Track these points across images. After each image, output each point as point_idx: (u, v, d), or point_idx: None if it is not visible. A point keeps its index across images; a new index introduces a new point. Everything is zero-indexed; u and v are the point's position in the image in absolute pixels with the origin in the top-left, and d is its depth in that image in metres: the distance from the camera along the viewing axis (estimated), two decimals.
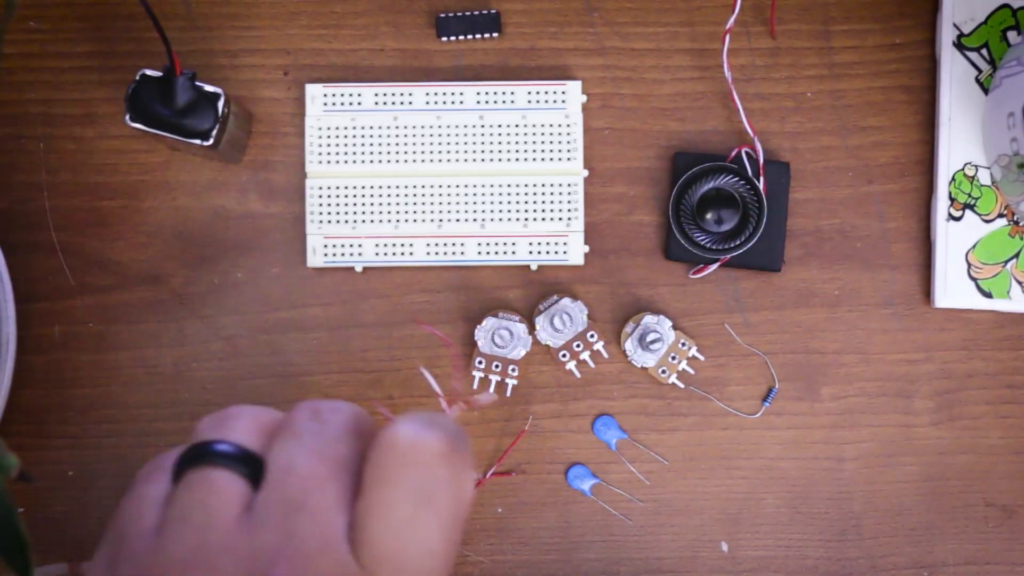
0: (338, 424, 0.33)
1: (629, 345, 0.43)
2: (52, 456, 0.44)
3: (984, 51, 0.43)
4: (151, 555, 0.30)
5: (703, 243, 0.42)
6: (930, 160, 0.44)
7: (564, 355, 0.43)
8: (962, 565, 0.44)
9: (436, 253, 0.43)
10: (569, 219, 0.43)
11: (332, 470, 0.31)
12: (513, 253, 0.43)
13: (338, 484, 0.31)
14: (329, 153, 0.43)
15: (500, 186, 0.43)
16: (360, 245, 0.43)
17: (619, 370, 0.44)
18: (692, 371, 0.43)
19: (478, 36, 0.43)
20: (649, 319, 0.43)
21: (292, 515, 0.30)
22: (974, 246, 0.43)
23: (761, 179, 0.42)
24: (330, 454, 0.32)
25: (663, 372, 0.43)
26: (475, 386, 0.43)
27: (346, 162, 0.43)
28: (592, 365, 0.43)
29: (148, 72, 0.39)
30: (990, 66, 0.43)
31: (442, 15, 0.43)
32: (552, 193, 0.43)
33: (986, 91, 0.43)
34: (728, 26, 0.41)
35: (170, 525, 0.30)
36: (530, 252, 0.43)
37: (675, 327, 0.43)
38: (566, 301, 0.43)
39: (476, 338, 0.42)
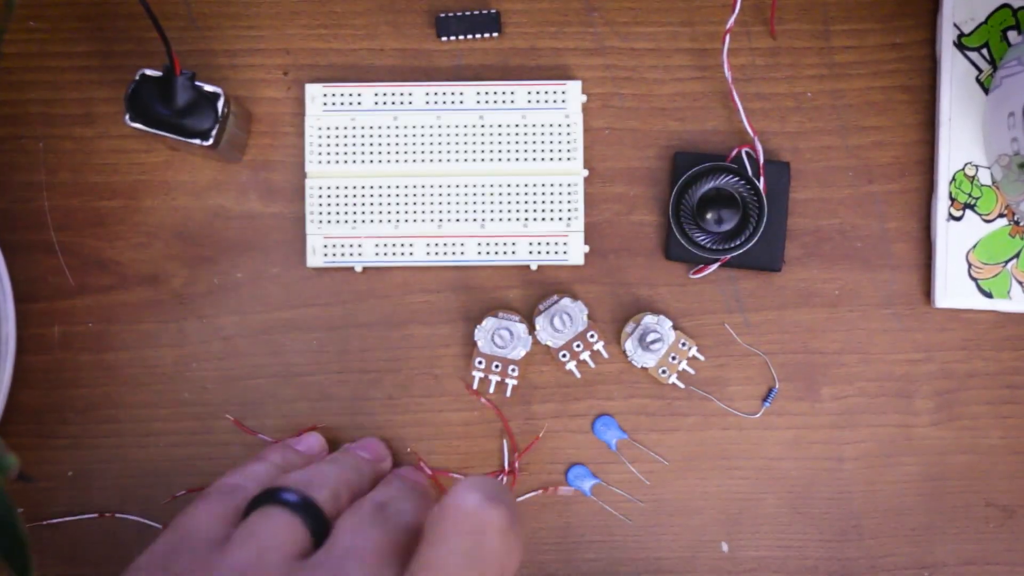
0: (399, 527, 0.35)
1: (629, 345, 0.43)
2: (52, 456, 0.44)
3: (984, 51, 0.43)
4: (211, 559, 0.32)
5: (703, 243, 0.42)
6: (930, 160, 0.44)
7: (564, 355, 0.43)
8: (962, 565, 0.44)
9: (436, 253, 0.43)
10: (569, 219, 0.43)
11: (391, 553, 0.33)
12: (513, 253, 0.43)
13: (391, 568, 0.33)
14: (329, 153, 0.43)
15: (500, 186, 0.43)
16: (360, 245, 0.43)
17: (619, 370, 0.44)
18: (692, 371, 0.43)
19: (478, 36, 0.43)
20: (649, 319, 0.43)
21: (341, 573, 0.32)
22: (974, 246, 0.43)
23: (761, 179, 0.42)
24: (388, 551, 0.33)
25: (663, 372, 0.43)
26: (475, 386, 0.43)
27: (346, 162, 0.43)
28: (592, 365, 0.43)
29: (148, 72, 0.39)
30: (990, 66, 0.43)
31: (442, 15, 0.43)
32: (552, 193, 0.43)
33: (986, 91, 0.43)
34: (728, 26, 0.41)
35: (237, 538, 0.33)
36: (530, 252, 0.43)
37: (675, 327, 0.43)
38: (566, 301, 0.43)
39: (476, 338, 0.42)
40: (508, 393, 0.43)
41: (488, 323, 0.42)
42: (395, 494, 0.37)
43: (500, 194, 0.43)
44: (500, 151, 0.43)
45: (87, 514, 0.43)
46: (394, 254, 0.43)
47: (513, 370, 0.43)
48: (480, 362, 0.43)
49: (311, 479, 0.36)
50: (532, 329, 0.43)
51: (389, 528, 0.34)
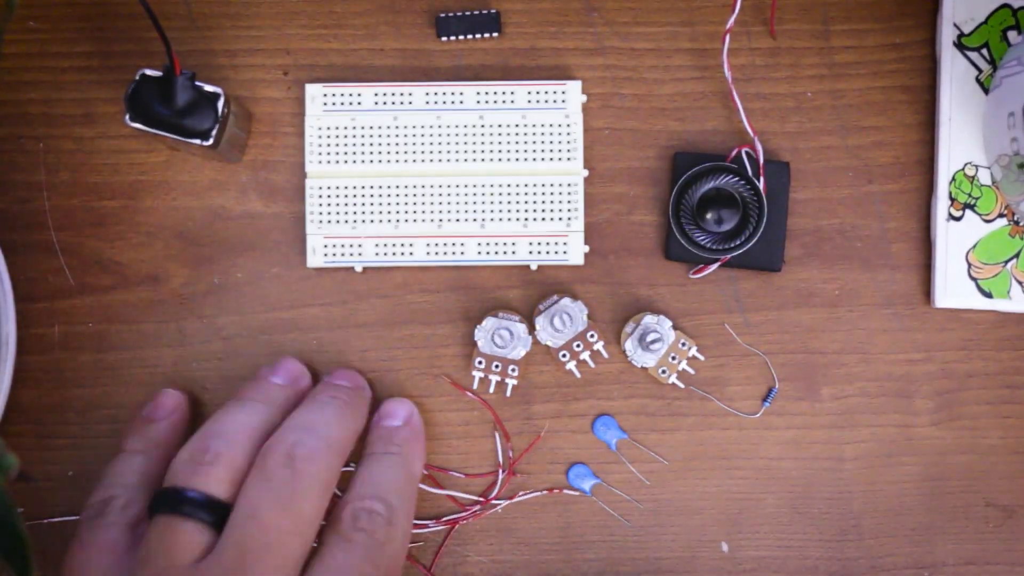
0: (309, 476, 0.34)
1: (629, 345, 0.43)
2: (52, 456, 0.44)
3: (984, 51, 0.43)
4: None
5: (703, 243, 0.42)
6: (930, 160, 0.44)
7: (564, 355, 0.43)
8: (962, 565, 0.44)
9: (436, 253, 0.43)
10: (569, 219, 0.43)
11: (294, 523, 0.33)
12: (513, 253, 0.43)
13: (297, 538, 0.33)
14: (329, 153, 0.43)
15: (500, 186, 0.43)
16: (360, 245, 0.43)
17: (619, 370, 0.44)
18: (692, 371, 0.43)
19: (478, 36, 0.43)
20: (649, 319, 0.43)
21: (249, 560, 0.32)
22: (974, 246, 0.43)
23: (761, 179, 0.42)
24: (294, 508, 0.33)
25: (663, 372, 0.43)
26: (475, 385, 0.43)
27: (346, 162, 0.43)
28: (592, 365, 0.43)
29: (148, 72, 0.39)
30: (990, 66, 0.43)
31: (442, 15, 0.43)
32: (552, 193, 0.43)
33: (986, 91, 0.43)
34: (728, 26, 0.41)
35: (138, 567, 0.33)
36: (530, 252, 0.43)
37: (675, 327, 0.43)
38: (566, 301, 0.43)
39: (476, 338, 0.42)
40: (508, 393, 0.43)
41: (488, 323, 0.42)
42: (306, 428, 0.36)
43: (500, 194, 0.43)
44: (500, 151, 0.43)
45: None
46: (394, 254, 0.43)
47: (513, 370, 0.43)
48: (480, 362, 0.43)
49: (199, 462, 0.34)
50: (532, 329, 0.43)
51: (297, 482, 0.33)
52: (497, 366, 0.43)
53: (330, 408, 0.39)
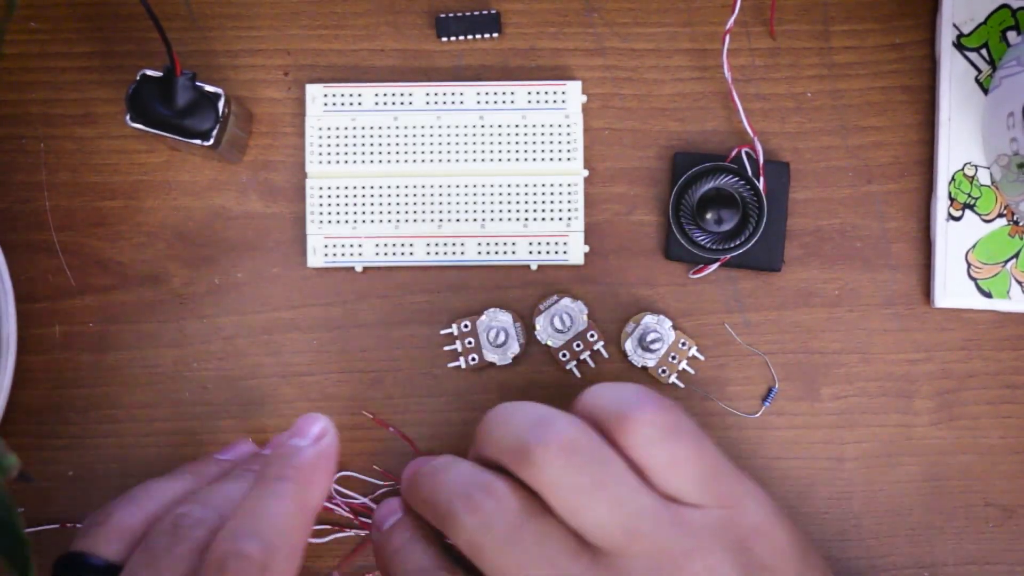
0: (191, 540, 0.34)
1: (629, 345, 0.43)
2: (52, 456, 0.44)
3: (984, 51, 0.43)
4: None
5: (703, 243, 0.42)
6: (930, 160, 0.44)
7: (564, 355, 0.43)
8: (962, 565, 0.44)
9: (436, 253, 0.43)
10: (569, 219, 0.43)
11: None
12: (513, 253, 0.43)
13: None
14: (329, 153, 0.43)
15: (500, 186, 0.43)
16: (360, 245, 0.43)
17: (619, 370, 0.44)
18: (692, 371, 0.43)
19: (478, 36, 0.43)
20: (649, 319, 0.43)
21: None
22: (974, 246, 0.43)
23: (761, 179, 0.43)
24: (171, 570, 0.33)
25: (663, 372, 0.43)
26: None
27: (346, 162, 0.43)
28: (592, 365, 0.43)
29: (148, 72, 0.39)
30: (990, 66, 0.43)
31: (442, 15, 0.43)
32: (552, 193, 0.43)
33: (986, 91, 0.43)
34: (728, 26, 0.41)
35: None
36: (530, 252, 0.43)
37: (675, 327, 0.43)
38: (566, 301, 0.43)
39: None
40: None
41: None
42: (200, 501, 0.35)
43: (500, 194, 0.43)
44: (500, 151, 0.43)
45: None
46: (394, 254, 0.43)
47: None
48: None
49: (95, 528, 0.34)
50: (532, 329, 0.43)
51: (176, 546, 0.32)
52: (471, 343, 0.43)
53: (238, 482, 0.37)
